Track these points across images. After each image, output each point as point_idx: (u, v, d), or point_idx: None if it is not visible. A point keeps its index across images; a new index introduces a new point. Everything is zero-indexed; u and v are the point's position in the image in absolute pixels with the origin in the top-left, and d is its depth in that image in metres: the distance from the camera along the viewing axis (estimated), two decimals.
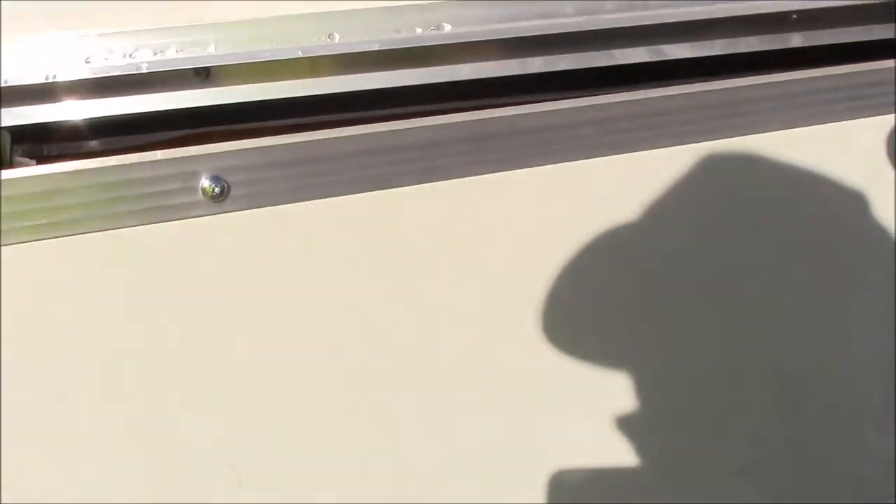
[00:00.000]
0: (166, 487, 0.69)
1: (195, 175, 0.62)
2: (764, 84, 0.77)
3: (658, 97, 0.73)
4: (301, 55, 0.72)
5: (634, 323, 0.81)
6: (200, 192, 0.61)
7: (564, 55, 0.77)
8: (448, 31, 0.75)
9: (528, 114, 0.71)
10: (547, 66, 0.77)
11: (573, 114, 0.72)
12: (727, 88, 0.76)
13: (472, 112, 0.69)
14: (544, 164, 0.71)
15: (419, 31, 0.75)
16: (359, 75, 0.75)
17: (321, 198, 0.66)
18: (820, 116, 0.80)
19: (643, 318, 0.81)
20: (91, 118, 0.73)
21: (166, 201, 0.61)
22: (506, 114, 0.69)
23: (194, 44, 0.72)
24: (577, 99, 0.72)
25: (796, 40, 0.80)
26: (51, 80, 0.68)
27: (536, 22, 0.75)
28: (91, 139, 0.76)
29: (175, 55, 0.71)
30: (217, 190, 0.61)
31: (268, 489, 0.72)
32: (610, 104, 0.72)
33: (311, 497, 0.73)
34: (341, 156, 0.66)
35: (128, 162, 0.60)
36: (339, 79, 0.74)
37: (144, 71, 0.70)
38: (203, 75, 0.73)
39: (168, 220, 0.61)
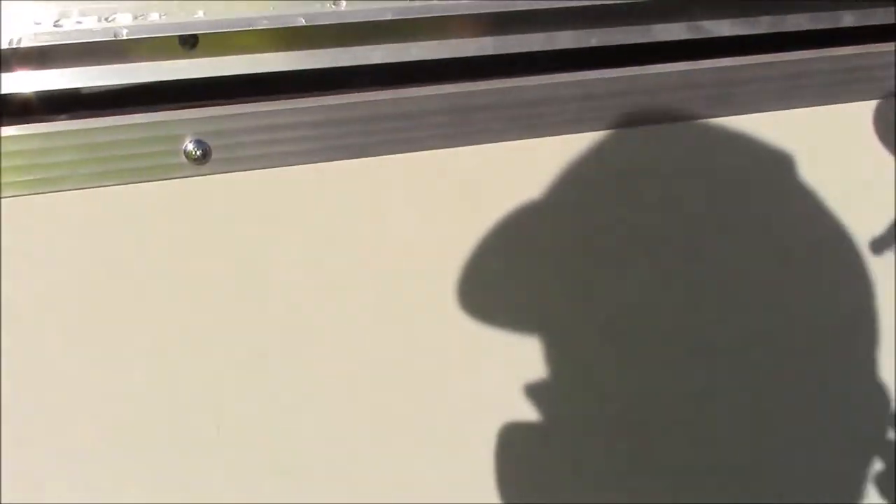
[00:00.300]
0: (136, 441, 0.70)
1: (179, 138, 0.61)
2: (758, 65, 0.73)
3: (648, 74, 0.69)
4: (304, 23, 0.63)
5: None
6: (184, 154, 0.61)
7: (595, 30, 0.69)
8: None
9: (507, 87, 0.67)
10: (578, 42, 0.69)
11: (560, 88, 0.69)
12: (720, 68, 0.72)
13: (444, 85, 0.67)
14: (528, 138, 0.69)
15: None
16: (366, 47, 0.66)
17: (300, 164, 0.65)
18: (813, 99, 0.76)
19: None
20: (60, 90, 0.64)
21: (150, 162, 0.61)
22: (482, 87, 0.67)
23: (180, 7, 0.63)
24: (565, 74, 0.69)
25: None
26: (13, 46, 0.59)
27: None
28: (60, 113, 0.67)
29: (158, 20, 0.62)
30: (199, 153, 0.61)
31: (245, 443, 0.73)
32: (595, 80, 0.69)
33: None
34: (321, 123, 0.65)
35: (114, 124, 0.60)
36: (346, 50, 0.66)
37: (123, 38, 0.61)
38: (190, 44, 0.65)
39: (151, 181, 0.62)
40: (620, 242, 0.76)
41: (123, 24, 0.61)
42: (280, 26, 0.64)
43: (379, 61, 0.66)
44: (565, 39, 0.69)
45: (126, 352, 0.67)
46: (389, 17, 0.63)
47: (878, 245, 0.80)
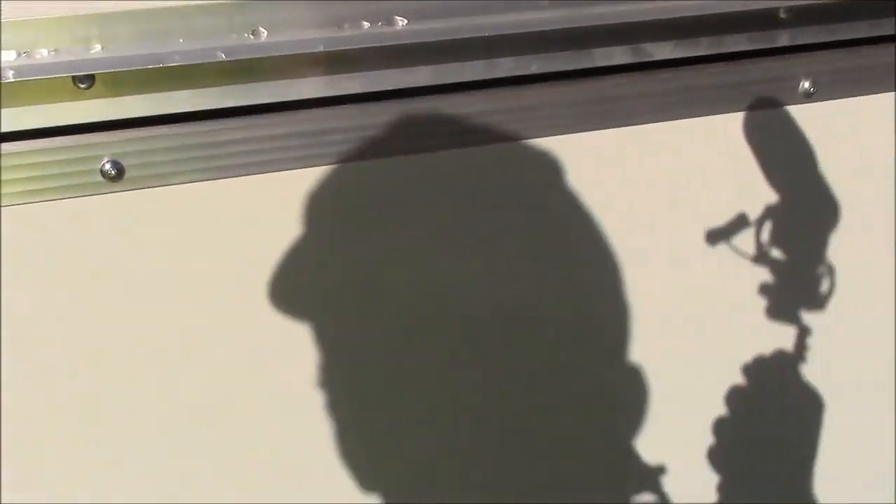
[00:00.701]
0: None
1: (96, 159, 0.60)
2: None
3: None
4: (224, 58, 0.55)
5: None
6: (100, 173, 0.60)
7: (537, 55, 0.65)
8: (402, 27, 0.61)
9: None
10: (518, 69, 0.64)
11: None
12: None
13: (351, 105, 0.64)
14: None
15: (366, 25, 0.61)
16: (297, 81, 0.59)
17: (208, 180, 0.63)
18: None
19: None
20: None
21: (69, 181, 0.60)
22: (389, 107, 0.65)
23: (75, 41, 0.54)
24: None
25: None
26: None
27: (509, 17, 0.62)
28: None
29: (49, 58, 0.53)
30: (114, 172, 0.60)
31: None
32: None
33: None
34: (230, 142, 0.62)
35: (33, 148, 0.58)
36: (272, 85, 0.59)
37: (10, 80, 0.51)
38: (87, 84, 0.55)
39: (69, 198, 0.61)
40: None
41: (7, 62, 0.52)
42: (194, 62, 0.56)
43: (311, 96, 0.60)
44: (506, 66, 0.64)
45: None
46: (321, 48, 0.56)
47: (714, 236, 0.80)
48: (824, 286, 0.85)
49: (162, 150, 0.60)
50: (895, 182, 0.85)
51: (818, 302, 0.85)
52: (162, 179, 0.61)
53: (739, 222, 0.79)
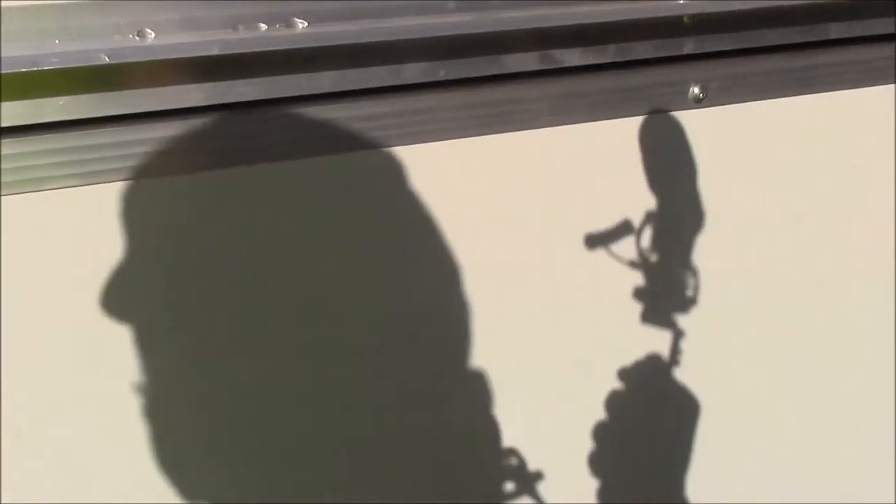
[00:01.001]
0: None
1: None
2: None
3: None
4: (107, 61, 0.51)
5: None
6: None
7: (445, 61, 0.62)
8: (302, 29, 0.58)
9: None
10: (426, 76, 0.62)
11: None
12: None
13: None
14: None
15: (263, 27, 0.57)
16: (188, 87, 0.55)
17: (91, 184, 0.58)
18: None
19: None
20: None
21: None
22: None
23: None
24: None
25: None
26: None
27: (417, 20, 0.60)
28: None
29: None
30: None
31: None
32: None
33: None
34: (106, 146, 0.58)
35: None
36: (160, 91, 0.54)
37: None
38: None
39: None
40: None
41: None
42: (77, 65, 0.51)
43: (202, 103, 0.56)
44: (413, 73, 0.61)
45: None
46: (217, 51, 0.53)
47: (593, 240, 0.80)
48: (692, 290, 0.86)
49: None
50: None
51: (688, 305, 0.86)
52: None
53: (623, 228, 0.80)
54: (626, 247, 0.81)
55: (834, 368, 0.99)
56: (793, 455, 1.02)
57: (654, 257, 0.82)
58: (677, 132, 0.78)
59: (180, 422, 0.72)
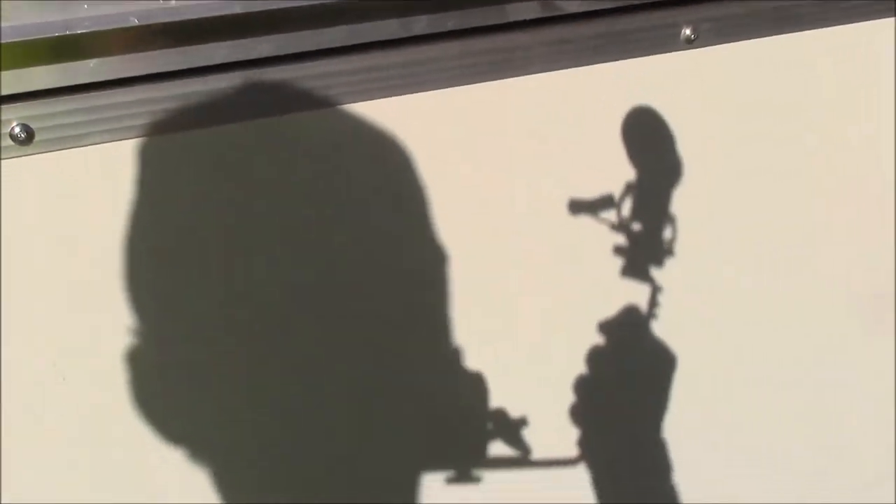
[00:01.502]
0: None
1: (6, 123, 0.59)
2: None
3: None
4: (136, 23, 0.54)
5: None
6: (10, 137, 0.60)
7: (452, 13, 0.65)
8: None
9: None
10: (432, 27, 0.65)
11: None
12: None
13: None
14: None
15: None
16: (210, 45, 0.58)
17: (112, 141, 0.62)
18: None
19: None
20: None
21: None
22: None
23: None
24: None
25: None
26: None
27: None
28: None
29: None
30: (23, 136, 0.60)
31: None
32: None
33: None
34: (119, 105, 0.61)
35: None
36: (186, 51, 0.57)
37: None
38: None
39: None
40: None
41: None
42: (103, 28, 0.54)
43: (223, 60, 0.58)
44: (422, 24, 0.64)
45: None
46: (238, 10, 0.55)
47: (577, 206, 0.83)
48: (671, 242, 0.88)
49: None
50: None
51: (666, 258, 0.88)
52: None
53: (605, 200, 0.82)
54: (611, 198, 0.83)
55: (814, 318, 1.01)
56: (769, 406, 1.05)
57: (637, 209, 0.84)
58: (669, 74, 0.80)
59: (180, 422, 0.76)
